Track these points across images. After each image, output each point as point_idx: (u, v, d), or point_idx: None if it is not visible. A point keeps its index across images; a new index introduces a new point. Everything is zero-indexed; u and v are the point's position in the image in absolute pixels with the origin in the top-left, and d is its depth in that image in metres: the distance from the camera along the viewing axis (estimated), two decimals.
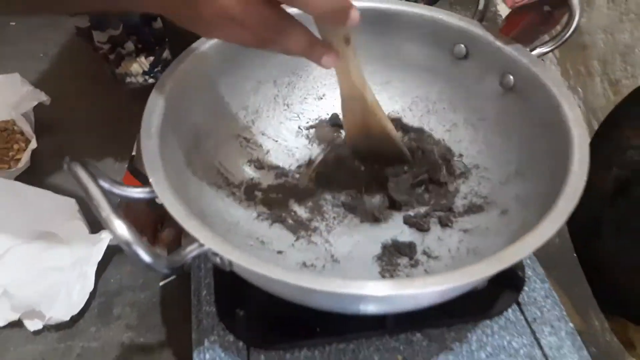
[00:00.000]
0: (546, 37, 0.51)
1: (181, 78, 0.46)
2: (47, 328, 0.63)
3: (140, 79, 0.66)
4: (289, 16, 0.35)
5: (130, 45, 0.64)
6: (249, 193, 0.50)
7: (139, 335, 0.62)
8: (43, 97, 0.82)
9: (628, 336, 0.66)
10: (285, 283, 0.32)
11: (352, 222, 0.49)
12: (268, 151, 0.54)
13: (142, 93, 0.71)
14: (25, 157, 0.77)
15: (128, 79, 0.66)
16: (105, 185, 0.36)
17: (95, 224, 0.70)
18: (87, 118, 0.87)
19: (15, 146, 0.80)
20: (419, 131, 0.56)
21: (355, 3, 0.55)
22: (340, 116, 0.52)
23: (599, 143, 0.73)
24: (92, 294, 0.64)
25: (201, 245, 0.34)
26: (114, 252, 0.68)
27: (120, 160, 0.81)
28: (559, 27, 0.49)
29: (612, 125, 0.71)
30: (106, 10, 0.60)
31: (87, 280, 0.64)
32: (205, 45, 0.49)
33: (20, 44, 1.00)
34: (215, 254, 0.35)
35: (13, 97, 0.83)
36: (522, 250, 0.34)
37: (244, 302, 0.46)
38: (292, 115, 0.57)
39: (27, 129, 0.80)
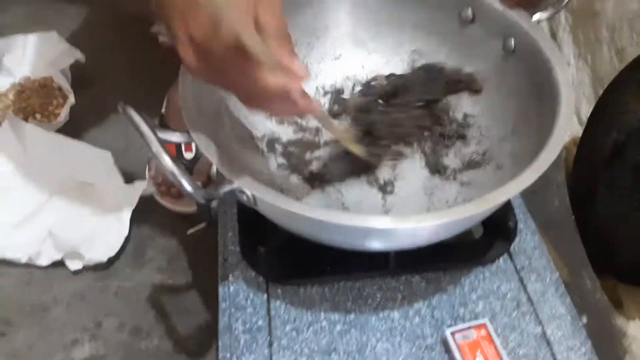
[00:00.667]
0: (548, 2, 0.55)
1: None
2: (86, 268, 0.70)
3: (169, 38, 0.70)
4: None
5: None
6: (270, 145, 0.55)
7: (168, 277, 0.69)
8: (79, 55, 0.87)
9: (617, 295, 0.71)
10: (303, 216, 0.38)
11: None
12: None
13: (174, 51, 0.76)
14: (64, 112, 0.83)
15: (161, 38, 0.71)
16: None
17: (129, 175, 0.76)
18: (120, 76, 0.93)
19: (54, 101, 0.86)
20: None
21: None
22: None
23: (601, 109, 0.76)
24: (127, 239, 0.71)
25: (231, 182, 0.39)
26: (146, 202, 0.75)
27: (154, 116, 0.87)
28: None
29: (614, 91, 0.74)
30: None
31: (122, 225, 0.70)
32: None
33: (55, 3, 1.05)
34: (243, 192, 0.40)
35: (51, 54, 0.89)
36: (505, 193, 0.38)
37: (264, 242, 0.52)
38: (311, 75, 0.61)
39: (65, 85, 0.86)
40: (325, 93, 0.61)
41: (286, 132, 0.57)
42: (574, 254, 0.73)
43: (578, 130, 0.82)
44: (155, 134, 0.38)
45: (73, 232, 0.69)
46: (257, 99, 0.37)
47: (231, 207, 0.57)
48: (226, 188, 0.40)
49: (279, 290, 0.50)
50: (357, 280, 0.51)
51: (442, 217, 0.38)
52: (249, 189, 0.40)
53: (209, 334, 0.64)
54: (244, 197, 0.41)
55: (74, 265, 0.69)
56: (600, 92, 0.80)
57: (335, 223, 0.38)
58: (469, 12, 0.56)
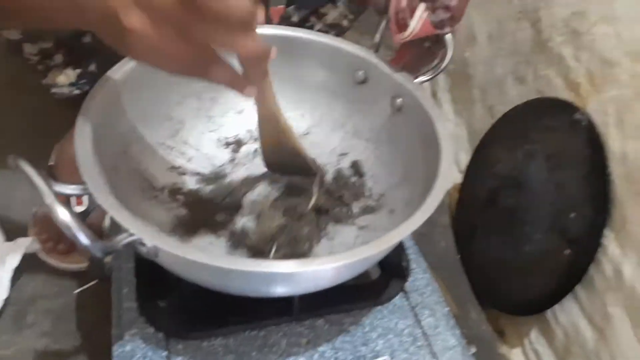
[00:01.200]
0: (429, 67, 0.62)
1: (111, 90, 0.50)
2: None
3: (66, 90, 0.68)
4: (214, 51, 0.40)
5: (59, 58, 0.66)
6: (172, 195, 0.54)
7: (54, 341, 0.64)
8: None
9: (500, 325, 0.78)
10: (207, 265, 0.37)
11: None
12: (190, 159, 0.59)
13: (66, 104, 0.73)
14: None
15: (54, 89, 0.68)
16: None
17: (11, 232, 0.70)
18: (4, 124, 0.86)
19: None
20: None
21: (273, 30, 0.62)
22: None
23: (477, 159, 0.86)
24: (6, 302, 0.65)
25: (131, 233, 0.38)
26: (28, 261, 0.69)
27: (35, 169, 0.81)
28: (437, 61, 0.60)
29: (487, 144, 0.84)
30: (35, 27, 0.62)
31: (1, 287, 0.64)
32: (134, 61, 0.53)
33: None
34: (142, 243, 0.39)
35: None
36: (399, 234, 0.42)
37: (164, 296, 0.51)
38: (213, 127, 0.62)
39: None
40: (228, 144, 0.63)
41: (189, 183, 0.57)
42: (460, 289, 0.79)
43: (459, 178, 0.91)
44: (49, 186, 0.37)
45: None
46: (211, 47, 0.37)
47: (127, 262, 0.55)
48: (125, 240, 0.39)
49: (180, 346, 0.49)
50: (262, 328, 0.51)
51: (343, 259, 0.40)
52: (150, 239, 0.39)
53: None
54: (144, 249, 0.40)
55: None
56: (477, 144, 0.90)
57: (242, 270, 0.38)
58: (361, 74, 0.62)
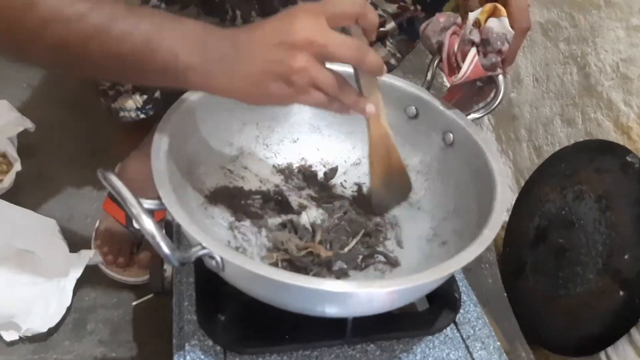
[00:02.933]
0: (480, 106, 0.64)
1: (182, 114, 0.55)
2: (22, 340, 0.65)
3: (133, 114, 0.73)
4: (344, 79, 0.46)
5: (128, 85, 0.71)
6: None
7: (111, 350, 0.66)
8: (28, 124, 0.87)
9: None
10: (274, 280, 0.40)
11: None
12: (248, 182, 0.63)
13: (129, 127, 0.79)
14: (9, 178, 0.81)
15: (122, 113, 0.73)
16: None
17: (74, 244, 0.74)
18: (68, 145, 0.93)
19: None
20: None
21: (335, 68, 0.66)
22: None
23: (524, 198, 0.86)
24: (68, 310, 0.68)
25: (203, 247, 0.41)
26: (90, 272, 0.73)
27: (99, 189, 0.87)
28: (488, 99, 0.62)
29: (535, 183, 0.85)
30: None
31: (64, 295, 0.68)
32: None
33: (4, 73, 1.05)
34: (212, 257, 0.42)
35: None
36: (456, 263, 0.43)
37: (223, 311, 0.53)
38: (270, 155, 0.66)
39: (11, 152, 0.84)
40: (281, 171, 0.66)
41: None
42: (508, 326, 0.78)
43: (505, 216, 0.92)
44: (136, 198, 0.40)
45: (9, 301, 0.65)
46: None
47: (187, 277, 0.58)
48: (198, 253, 0.41)
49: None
50: (315, 349, 0.52)
51: (401, 284, 0.42)
52: (219, 253, 0.42)
53: None
54: (212, 262, 0.43)
55: (9, 336, 0.64)
56: (522, 182, 0.91)
57: (303, 286, 0.40)
58: (413, 109, 0.64)
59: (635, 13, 0.71)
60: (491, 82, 0.61)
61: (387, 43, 0.85)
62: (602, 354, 0.67)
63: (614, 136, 0.73)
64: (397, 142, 0.67)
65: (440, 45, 0.60)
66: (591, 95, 0.79)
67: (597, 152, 0.73)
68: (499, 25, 0.55)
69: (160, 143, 0.50)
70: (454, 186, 0.60)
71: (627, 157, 0.67)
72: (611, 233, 0.67)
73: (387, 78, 0.65)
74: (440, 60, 0.61)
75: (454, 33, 0.59)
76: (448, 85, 0.62)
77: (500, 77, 0.59)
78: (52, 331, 0.66)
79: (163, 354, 0.58)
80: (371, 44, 0.49)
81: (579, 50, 0.82)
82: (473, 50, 0.57)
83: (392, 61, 0.86)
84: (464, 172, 0.59)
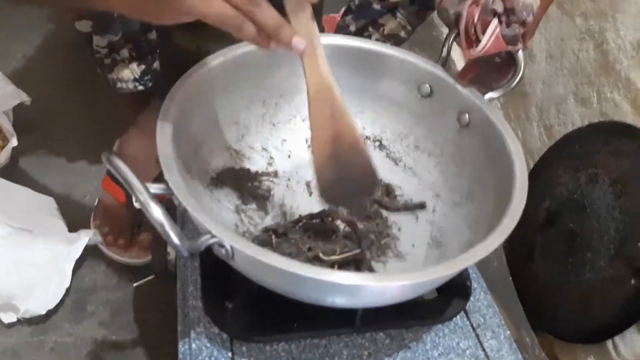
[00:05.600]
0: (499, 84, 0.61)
1: (187, 92, 0.52)
2: (20, 321, 0.64)
3: (131, 85, 0.70)
4: None
5: (125, 52, 0.68)
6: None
7: (111, 332, 0.65)
8: (24, 97, 0.83)
9: (553, 351, 0.76)
10: (286, 271, 0.38)
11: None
12: (254, 163, 0.60)
13: (128, 100, 0.76)
14: (4, 154, 0.78)
15: (119, 84, 0.70)
16: None
17: (73, 223, 0.72)
18: (66, 120, 0.89)
19: None
20: None
21: (341, 41, 0.63)
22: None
23: (534, 180, 0.84)
24: (67, 291, 0.67)
25: (213, 236, 0.39)
26: (89, 252, 0.71)
27: (96, 164, 0.84)
28: (506, 80, 0.59)
29: (546, 164, 0.83)
30: (75, 6, 0.63)
31: (63, 276, 0.66)
32: (207, 65, 0.54)
33: (3, 42, 1.01)
34: (222, 245, 0.40)
35: None
36: (474, 256, 0.41)
37: (229, 298, 0.51)
38: (277, 134, 0.63)
39: (7, 127, 0.81)
40: (289, 152, 0.63)
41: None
42: (512, 311, 0.77)
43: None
44: (143, 184, 0.38)
45: (7, 282, 0.64)
46: None
47: (192, 261, 0.56)
48: (209, 241, 0.39)
49: (244, 348, 0.49)
50: (323, 337, 0.51)
51: (416, 277, 0.40)
52: (229, 242, 0.40)
53: None
54: (222, 251, 0.41)
55: (7, 317, 0.63)
56: (531, 163, 0.88)
57: (316, 278, 0.38)
58: (427, 87, 0.61)
59: None
60: (509, 58, 0.58)
61: (398, 14, 0.82)
62: (609, 342, 0.66)
63: (632, 118, 0.71)
64: (409, 122, 0.65)
65: (458, 17, 0.57)
66: (608, 74, 0.76)
67: (613, 134, 0.71)
68: None
69: (165, 124, 0.47)
70: (469, 170, 0.58)
71: None
72: (625, 219, 0.65)
73: (399, 53, 0.62)
74: (458, 34, 0.58)
75: (473, 3, 0.56)
76: (459, 62, 0.59)
77: (520, 53, 0.56)
78: (50, 313, 0.64)
79: (165, 336, 0.57)
80: None
81: (597, 25, 0.78)
82: (495, 21, 0.54)
83: (402, 34, 0.83)
84: (480, 156, 0.57)
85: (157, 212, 0.36)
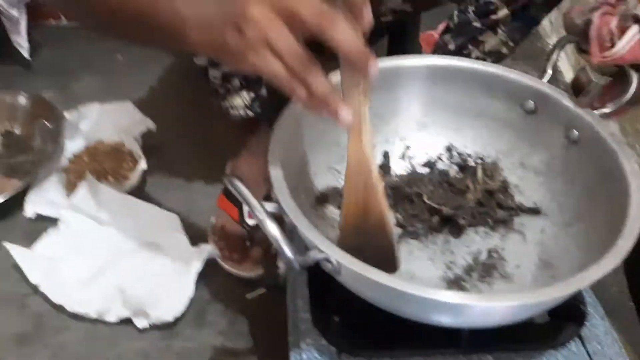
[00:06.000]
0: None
1: (293, 117, 0.56)
2: (151, 327, 0.72)
3: (242, 112, 0.77)
4: (316, 61, 0.38)
5: (236, 82, 0.75)
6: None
7: (229, 340, 0.71)
8: (150, 124, 0.94)
9: None
10: (393, 289, 0.40)
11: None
12: None
13: (239, 125, 0.82)
14: (135, 175, 0.88)
15: (232, 111, 0.77)
16: None
17: (193, 238, 0.80)
18: (186, 144, 0.99)
19: (125, 165, 0.92)
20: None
21: (445, 61, 0.63)
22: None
23: None
24: (191, 301, 0.73)
25: (321, 251, 0.42)
26: (208, 265, 0.78)
27: (212, 183, 0.92)
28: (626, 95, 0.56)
29: None
30: (145, 45, 0.68)
31: (188, 286, 0.73)
32: None
33: (128, 76, 1.14)
34: (329, 261, 0.43)
35: (124, 122, 0.96)
36: (588, 278, 0.40)
37: (337, 311, 0.54)
38: (376, 154, 0.65)
39: (137, 151, 0.92)
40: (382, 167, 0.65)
41: None
42: (634, 341, 0.71)
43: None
44: (261, 204, 0.42)
45: (142, 290, 0.72)
46: None
47: (301, 274, 0.59)
48: (317, 257, 0.42)
49: None
50: (428, 356, 0.51)
51: (524, 299, 0.40)
52: (337, 258, 0.43)
53: None
54: (329, 266, 0.44)
55: (141, 323, 0.71)
56: None
57: (419, 295, 0.40)
58: (531, 103, 0.60)
59: None
60: (621, 76, 0.55)
61: (499, 31, 0.81)
62: None
63: None
64: (513, 139, 0.64)
65: (588, 24, 0.55)
66: None
67: None
68: None
69: (275, 148, 0.51)
70: (579, 188, 0.56)
71: None
72: None
73: (499, 70, 0.62)
74: (585, 42, 0.54)
75: (605, 13, 0.54)
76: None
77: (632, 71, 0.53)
78: (177, 320, 0.71)
79: (277, 345, 0.60)
80: (368, 41, 0.40)
81: None
82: (635, 27, 0.51)
83: (504, 50, 0.82)
84: (591, 173, 0.54)
85: (273, 229, 0.40)
